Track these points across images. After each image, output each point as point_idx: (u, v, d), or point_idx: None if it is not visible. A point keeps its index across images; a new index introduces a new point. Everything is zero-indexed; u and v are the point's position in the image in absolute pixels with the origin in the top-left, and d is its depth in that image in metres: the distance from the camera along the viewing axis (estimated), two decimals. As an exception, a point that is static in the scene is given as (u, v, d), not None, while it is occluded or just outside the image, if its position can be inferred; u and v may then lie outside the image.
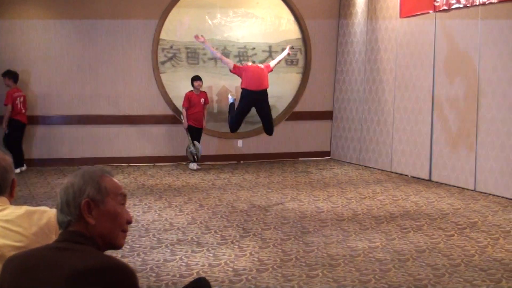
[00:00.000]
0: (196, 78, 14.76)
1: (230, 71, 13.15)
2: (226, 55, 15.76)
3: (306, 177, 13.59)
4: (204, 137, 15.48)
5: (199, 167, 14.79)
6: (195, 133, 14.82)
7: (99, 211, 2.85)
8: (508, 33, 11.22)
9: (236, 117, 12.75)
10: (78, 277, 2.58)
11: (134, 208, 10.29)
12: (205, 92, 15.16)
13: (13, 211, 3.34)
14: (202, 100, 14.81)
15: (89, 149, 15.09)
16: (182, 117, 14.86)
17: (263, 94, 12.42)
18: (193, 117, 14.78)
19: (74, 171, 2.91)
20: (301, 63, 16.63)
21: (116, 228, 2.91)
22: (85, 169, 2.92)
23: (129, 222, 2.98)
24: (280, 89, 16.29)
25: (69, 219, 2.80)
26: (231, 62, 13.33)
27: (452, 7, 12.45)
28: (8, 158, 3.49)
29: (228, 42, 15.99)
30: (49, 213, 3.41)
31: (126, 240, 7.59)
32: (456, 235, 8.67)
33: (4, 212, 3.33)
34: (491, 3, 11.51)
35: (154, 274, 6.91)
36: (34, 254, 2.76)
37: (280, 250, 7.92)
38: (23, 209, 3.38)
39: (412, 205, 10.69)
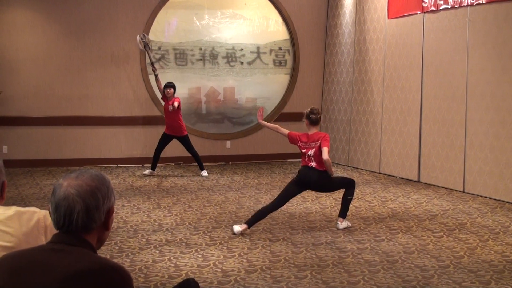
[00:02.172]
0: (166, 86, 13.76)
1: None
2: (214, 56, 15.78)
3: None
4: (192, 138, 15.44)
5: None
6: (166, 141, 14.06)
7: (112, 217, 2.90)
8: (496, 34, 11.25)
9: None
10: (73, 279, 2.56)
11: (122, 209, 10.26)
12: (177, 97, 13.71)
13: (3, 212, 3.33)
14: (170, 107, 13.33)
15: (77, 150, 15.04)
16: None
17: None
18: (168, 126, 13.87)
19: (77, 172, 2.84)
20: (289, 64, 16.63)
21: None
22: (94, 172, 2.86)
23: None
24: (269, 90, 16.31)
25: (94, 224, 2.78)
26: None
27: (440, 8, 12.48)
28: None
29: (217, 43, 15.98)
30: (38, 214, 3.39)
31: (115, 241, 7.55)
32: (445, 236, 8.68)
33: (-6, 213, 3.31)
34: (479, 4, 11.54)
35: (142, 275, 6.89)
36: (28, 255, 2.74)
37: (268, 251, 7.91)
38: (12, 209, 3.36)
39: (400, 206, 10.70)
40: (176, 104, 13.27)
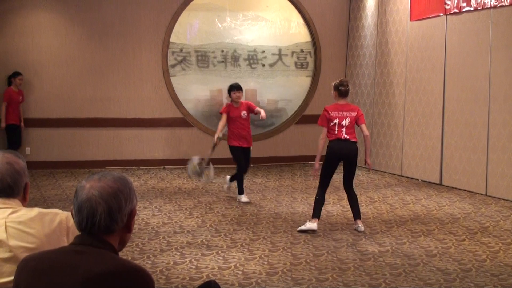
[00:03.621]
0: (234, 88, 11.47)
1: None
2: (236, 58, 15.80)
3: (315, 180, 13.53)
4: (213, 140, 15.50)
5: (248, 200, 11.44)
6: (242, 156, 11.48)
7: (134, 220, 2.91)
8: (520, 36, 11.18)
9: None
10: (95, 281, 2.58)
11: (144, 211, 10.29)
12: (247, 102, 11.88)
13: (26, 213, 3.35)
14: (244, 113, 11.43)
15: (99, 152, 15.11)
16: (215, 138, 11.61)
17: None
18: (236, 134, 11.48)
19: (100, 173, 2.85)
20: (311, 66, 16.61)
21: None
22: (116, 174, 2.87)
23: None
24: (290, 92, 16.31)
25: (116, 226, 2.79)
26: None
27: (463, 10, 12.41)
28: (21, 162, 3.49)
29: (238, 45, 16.00)
30: (61, 215, 3.41)
31: (136, 242, 7.58)
32: (467, 239, 8.63)
33: (17, 214, 3.33)
34: (502, 6, 11.47)
35: (164, 277, 6.90)
36: (50, 256, 2.75)
37: (290, 254, 7.90)
38: (35, 211, 3.38)
39: (422, 209, 10.66)
40: (244, 112, 11.43)
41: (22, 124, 14.39)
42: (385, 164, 14.88)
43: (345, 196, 11.34)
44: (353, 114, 9.04)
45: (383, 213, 10.35)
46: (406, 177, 14.04)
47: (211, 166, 11.82)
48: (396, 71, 14.49)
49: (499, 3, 11.53)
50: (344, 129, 8.97)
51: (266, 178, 13.90)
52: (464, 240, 8.61)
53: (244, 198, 11.33)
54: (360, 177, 14.04)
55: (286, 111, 16.26)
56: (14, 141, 14.27)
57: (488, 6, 11.79)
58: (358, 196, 9.56)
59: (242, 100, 11.60)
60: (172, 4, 15.41)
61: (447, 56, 12.95)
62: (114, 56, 15.16)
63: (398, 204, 11.10)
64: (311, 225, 8.94)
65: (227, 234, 8.88)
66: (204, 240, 8.50)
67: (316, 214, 9.06)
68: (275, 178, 13.92)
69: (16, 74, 14.19)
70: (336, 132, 8.98)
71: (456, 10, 12.61)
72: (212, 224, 9.46)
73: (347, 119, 8.96)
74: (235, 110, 11.36)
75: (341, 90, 9.06)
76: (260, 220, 9.77)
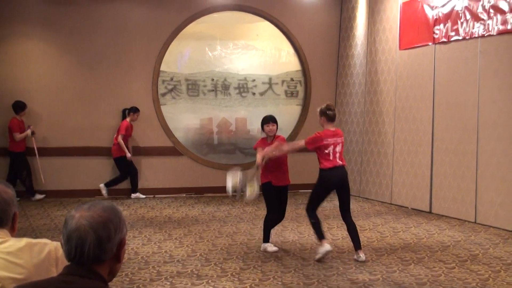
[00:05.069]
0: (266, 121, 10.04)
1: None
2: (226, 87, 15.86)
3: (302, 209, 13.51)
4: (204, 169, 15.56)
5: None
6: (277, 196, 9.89)
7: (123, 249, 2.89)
8: (508, 65, 11.26)
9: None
10: None
11: (133, 240, 10.26)
12: (281, 136, 10.23)
13: (14, 244, 3.34)
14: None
15: (89, 181, 15.06)
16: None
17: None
18: (270, 172, 9.88)
19: (89, 203, 2.85)
20: (301, 95, 16.69)
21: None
22: (106, 203, 2.87)
23: None
24: (280, 121, 16.12)
25: (106, 256, 2.78)
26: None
27: (451, 39, 12.51)
28: (10, 191, 3.48)
29: (228, 74, 16.07)
30: (50, 246, 3.40)
31: (126, 272, 7.56)
32: (457, 267, 8.64)
33: (5, 244, 3.33)
34: (490, 35, 11.57)
35: (153, 307, 6.87)
36: (39, 287, 2.74)
37: (280, 283, 7.88)
38: (23, 241, 3.37)
39: (412, 237, 10.66)
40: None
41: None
42: (375, 193, 14.90)
43: (335, 224, 11.39)
44: (342, 139, 9.12)
45: (374, 242, 10.35)
46: (396, 205, 14.06)
47: (255, 182, 9.90)
48: (386, 100, 14.56)
49: (486, 33, 11.63)
50: (338, 155, 8.99)
51: (256, 207, 13.88)
52: (454, 268, 8.61)
53: (270, 247, 9.70)
54: (350, 205, 14.02)
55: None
56: (19, 169, 14.50)
57: (476, 36, 11.89)
58: (345, 227, 9.55)
59: (278, 133, 10.10)
60: (163, 33, 15.48)
61: (436, 85, 13.02)
62: (104, 85, 15.18)
63: (388, 232, 11.10)
64: (324, 248, 8.82)
65: (217, 263, 8.86)
66: (194, 270, 8.48)
67: (321, 235, 9.01)
68: (265, 207, 13.86)
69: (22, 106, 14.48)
70: (331, 159, 8.96)
71: (444, 39, 12.71)
72: (202, 253, 9.43)
73: (339, 145, 8.98)
74: (268, 145, 9.79)
75: (330, 115, 9.04)
76: (250, 249, 9.75)
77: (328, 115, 9.03)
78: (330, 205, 13.81)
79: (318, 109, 9.21)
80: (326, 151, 8.94)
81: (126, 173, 15.01)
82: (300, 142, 9.30)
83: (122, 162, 14.89)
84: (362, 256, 8.97)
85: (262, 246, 9.72)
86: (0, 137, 14.61)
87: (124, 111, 15.10)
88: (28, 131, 14.36)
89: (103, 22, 15.14)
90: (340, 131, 9.22)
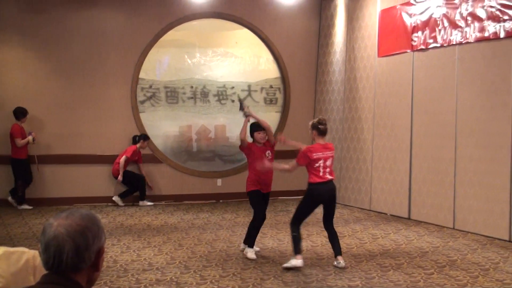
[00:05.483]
0: (257, 128, 10.13)
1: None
2: (205, 94, 15.86)
3: (285, 216, 13.55)
4: (183, 176, 15.53)
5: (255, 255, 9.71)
6: (261, 201, 9.98)
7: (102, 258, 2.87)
8: (485, 71, 11.35)
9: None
10: None
11: (112, 248, 10.21)
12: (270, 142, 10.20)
13: (-9, 253, 3.32)
14: (268, 153, 10.04)
15: (68, 189, 14.97)
16: None
17: None
18: (260, 182, 10.00)
19: (68, 211, 2.83)
20: (280, 102, 16.71)
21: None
22: (85, 211, 2.84)
23: None
24: (259, 128, 16.31)
25: (84, 264, 2.76)
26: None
27: (429, 46, 12.59)
28: None
29: (208, 81, 16.06)
30: (27, 254, 3.39)
31: (104, 280, 7.53)
32: (435, 273, 8.68)
33: (-18, 253, 3.31)
34: (468, 42, 11.65)
35: (133, 315, 6.85)
36: None
37: (259, 290, 7.88)
38: (1, 250, 3.36)
39: (391, 244, 10.70)
40: (269, 152, 10.11)
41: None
42: (354, 199, 14.94)
43: (315, 231, 11.41)
44: (333, 153, 9.11)
45: (353, 248, 10.37)
46: (375, 211, 14.10)
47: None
48: (365, 107, 14.61)
49: (464, 40, 11.71)
50: (328, 169, 9.01)
51: (235, 214, 13.88)
52: (433, 273, 8.65)
53: (252, 253, 9.65)
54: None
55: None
56: (21, 175, 14.49)
57: (454, 43, 11.97)
58: (325, 233, 9.56)
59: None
60: (141, 41, 15.44)
61: (414, 92, 13.09)
62: (82, 93, 15.11)
63: (367, 239, 11.13)
64: (296, 262, 8.84)
65: (196, 270, 8.85)
66: (173, 277, 8.46)
67: (298, 250, 8.99)
68: (244, 214, 13.89)
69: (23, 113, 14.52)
70: (321, 174, 8.96)
71: (423, 47, 12.78)
72: (182, 261, 9.42)
73: (329, 160, 8.99)
74: (258, 149, 9.94)
75: (321, 129, 9.07)
76: (229, 257, 9.74)
77: (319, 129, 9.06)
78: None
79: (310, 123, 9.24)
80: (316, 165, 8.95)
81: (135, 187, 15.28)
82: (292, 163, 9.28)
83: (125, 179, 15.04)
84: (341, 262, 8.98)
85: (248, 250, 9.72)
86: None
87: (134, 137, 15.28)
88: (30, 137, 14.33)
89: (81, 30, 15.07)
90: (331, 145, 9.21)
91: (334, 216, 9.42)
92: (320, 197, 9.08)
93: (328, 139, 15.65)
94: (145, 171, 15.34)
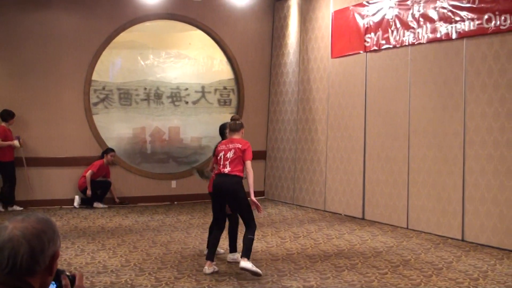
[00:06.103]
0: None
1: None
2: (159, 96, 15.80)
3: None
4: (137, 178, 15.45)
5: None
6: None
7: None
8: (437, 72, 11.47)
9: None
10: None
11: (66, 251, 10.11)
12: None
13: None
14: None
15: (21, 192, 14.76)
16: None
17: None
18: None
19: (24, 214, 2.79)
20: (234, 103, 16.71)
21: None
22: (41, 215, 2.80)
23: None
24: (214, 129, 16.16)
25: (38, 268, 2.73)
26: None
27: (382, 47, 12.69)
28: None
29: (161, 83, 16.00)
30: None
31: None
32: (389, 273, 8.74)
33: None
34: (420, 43, 11.78)
35: (87, 318, 6.79)
36: None
37: (215, 291, 7.87)
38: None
39: (346, 244, 10.76)
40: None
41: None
42: (308, 200, 14.99)
43: (269, 232, 11.42)
44: (238, 145, 8.85)
45: (307, 248, 10.41)
46: (329, 212, 14.17)
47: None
48: (318, 108, 14.68)
49: (416, 41, 11.84)
50: (228, 163, 8.84)
51: (190, 216, 13.84)
52: (387, 273, 8.72)
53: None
54: (284, 212, 14.11)
55: (210, 148, 16.22)
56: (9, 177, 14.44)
57: (406, 44, 12.09)
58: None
59: (210, 142, 10.40)
60: (94, 42, 15.31)
61: (367, 92, 13.18)
62: (35, 95, 14.92)
63: (322, 239, 11.18)
64: (209, 269, 8.78)
65: (151, 273, 8.80)
66: (128, 280, 8.41)
67: (208, 255, 9.04)
68: (199, 216, 13.86)
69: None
70: (221, 167, 8.88)
71: (375, 48, 12.88)
72: (136, 263, 9.36)
73: (231, 151, 8.83)
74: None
75: (231, 126, 9.10)
76: (184, 258, 9.71)
77: (230, 126, 9.17)
78: (264, 213, 13.85)
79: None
80: (218, 158, 8.96)
81: (103, 191, 15.31)
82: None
83: (93, 190, 14.98)
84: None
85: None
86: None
87: (103, 153, 15.25)
88: (15, 141, 14.15)
89: (34, 31, 14.87)
90: (241, 141, 8.98)
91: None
92: (215, 189, 8.99)
93: (282, 140, 15.75)
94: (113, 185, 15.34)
